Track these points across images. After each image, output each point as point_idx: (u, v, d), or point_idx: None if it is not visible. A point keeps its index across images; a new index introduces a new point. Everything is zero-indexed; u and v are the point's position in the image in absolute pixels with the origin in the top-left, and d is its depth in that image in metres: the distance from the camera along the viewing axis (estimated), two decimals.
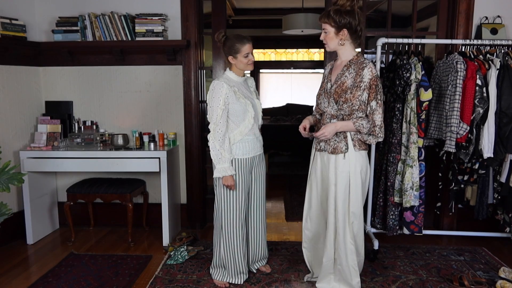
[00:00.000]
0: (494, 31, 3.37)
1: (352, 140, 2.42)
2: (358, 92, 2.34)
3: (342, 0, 2.46)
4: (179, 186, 3.78)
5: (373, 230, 3.28)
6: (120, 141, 3.40)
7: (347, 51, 2.45)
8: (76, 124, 3.67)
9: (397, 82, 2.98)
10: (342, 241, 2.45)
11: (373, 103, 2.34)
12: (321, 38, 2.47)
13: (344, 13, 2.37)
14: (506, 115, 2.90)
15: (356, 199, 2.42)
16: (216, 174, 2.56)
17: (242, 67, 2.61)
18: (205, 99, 3.84)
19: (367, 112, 2.36)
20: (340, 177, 2.41)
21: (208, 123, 2.59)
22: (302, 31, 5.60)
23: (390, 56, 3.50)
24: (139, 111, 3.72)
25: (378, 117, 2.35)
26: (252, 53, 2.59)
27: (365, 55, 3.89)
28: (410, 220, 3.05)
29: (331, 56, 3.46)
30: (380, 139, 2.40)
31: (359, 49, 3.99)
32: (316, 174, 2.60)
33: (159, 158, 3.30)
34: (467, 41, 3.13)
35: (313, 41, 8.39)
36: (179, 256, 3.09)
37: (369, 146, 3.15)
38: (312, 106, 6.81)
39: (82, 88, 3.73)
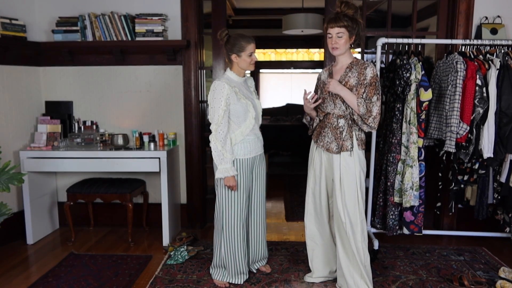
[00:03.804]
0: (494, 31, 3.37)
1: (357, 139, 2.50)
2: (362, 90, 2.44)
3: (345, 7, 2.46)
4: (179, 186, 3.78)
5: (373, 230, 3.28)
6: (120, 141, 3.40)
7: (348, 55, 2.54)
8: (76, 124, 3.67)
9: (397, 82, 2.98)
10: (353, 242, 2.48)
11: (374, 98, 2.43)
12: (334, 42, 2.45)
13: (356, 20, 2.47)
14: (506, 115, 2.90)
15: (361, 193, 2.51)
16: (218, 175, 2.56)
17: (245, 66, 2.61)
18: (205, 99, 3.84)
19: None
20: (347, 174, 2.47)
21: (209, 123, 2.59)
22: (302, 31, 5.60)
23: (390, 56, 3.50)
24: (139, 111, 3.72)
25: (375, 109, 2.43)
26: (255, 53, 2.60)
27: (365, 55, 3.89)
28: (410, 220, 3.05)
29: (331, 56, 3.46)
30: (373, 130, 2.49)
31: (359, 49, 4.00)
32: (321, 171, 2.62)
33: (159, 158, 3.30)
34: (467, 41, 3.13)
35: (313, 41, 8.39)
36: (179, 256, 3.09)
37: (369, 145, 3.16)
38: None
39: (82, 88, 3.73)
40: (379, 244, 3.10)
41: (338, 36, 2.43)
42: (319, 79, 2.70)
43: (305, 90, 2.65)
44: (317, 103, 2.59)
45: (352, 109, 2.47)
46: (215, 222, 2.75)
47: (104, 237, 3.62)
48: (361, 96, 2.44)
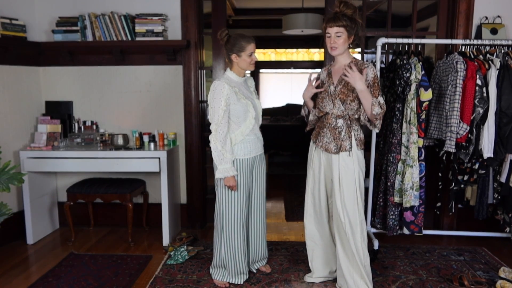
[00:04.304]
0: (494, 31, 3.37)
1: (356, 139, 2.50)
2: None
3: (344, 7, 2.45)
4: (179, 186, 3.78)
5: (373, 230, 3.28)
6: (120, 141, 3.40)
7: (346, 55, 2.54)
8: (76, 124, 3.67)
9: (397, 82, 2.98)
10: (352, 242, 2.47)
11: (380, 99, 2.43)
12: (332, 42, 2.44)
13: (355, 20, 2.46)
14: (506, 115, 2.90)
15: (361, 193, 2.50)
16: (218, 175, 2.56)
17: (244, 66, 2.61)
18: (205, 99, 3.84)
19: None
20: (346, 174, 2.47)
21: (209, 123, 2.60)
22: (302, 31, 5.60)
23: (390, 56, 3.50)
24: (139, 111, 3.72)
25: (385, 108, 2.45)
26: (255, 53, 2.60)
27: (365, 55, 3.89)
28: (410, 220, 3.05)
29: (331, 56, 3.46)
30: (377, 130, 2.50)
31: (359, 49, 3.99)
32: (320, 172, 2.61)
33: (159, 158, 3.30)
34: (467, 41, 3.13)
35: (313, 41, 8.39)
36: (179, 256, 3.09)
37: (369, 146, 3.16)
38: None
39: (82, 88, 3.73)
40: (379, 244, 3.10)
41: (337, 35, 2.43)
42: (318, 79, 2.70)
43: (311, 74, 2.66)
44: (318, 90, 2.59)
45: (360, 110, 2.46)
46: (215, 222, 2.75)
47: (104, 237, 3.62)
48: None
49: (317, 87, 2.62)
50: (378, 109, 2.40)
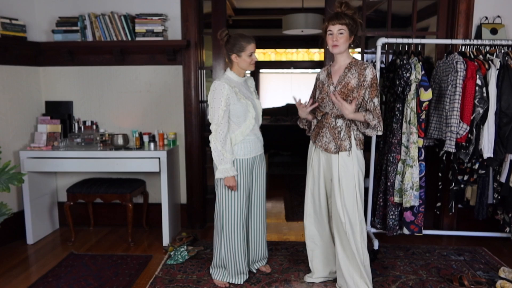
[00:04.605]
0: (494, 31, 3.37)
1: (355, 139, 2.50)
2: (362, 91, 2.44)
3: (345, 7, 2.46)
4: (179, 186, 3.78)
5: (373, 230, 3.28)
6: (120, 141, 3.40)
7: (346, 55, 2.54)
8: (76, 124, 3.67)
9: (397, 82, 2.98)
10: (352, 242, 2.47)
11: (376, 100, 2.43)
12: (335, 39, 2.44)
13: (356, 20, 2.47)
14: (506, 115, 2.90)
15: (360, 193, 2.50)
16: (218, 175, 2.56)
17: (245, 66, 2.61)
18: (205, 99, 3.84)
19: (370, 108, 2.43)
20: (346, 174, 2.47)
21: (209, 123, 2.60)
22: (302, 31, 5.60)
23: (390, 56, 3.50)
24: (139, 111, 3.73)
25: (379, 112, 2.44)
26: (255, 53, 2.60)
27: (365, 55, 3.89)
28: (410, 220, 3.05)
29: (331, 56, 3.46)
30: (380, 133, 2.46)
31: (359, 49, 3.99)
32: (320, 171, 2.61)
33: (159, 158, 3.30)
34: (467, 41, 3.13)
35: (313, 41, 8.39)
36: (179, 256, 3.09)
37: (369, 145, 3.16)
38: None
39: (82, 88, 3.73)
40: (379, 244, 3.10)
41: (339, 33, 2.43)
42: (317, 79, 2.70)
43: (296, 99, 2.64)
44: (314, 105, 2.58)
45: (359, 111, 2.46)
46: (215, 222, 2.75)
47: (104, 237, 3.62)
48: (361, 97, 2.43)
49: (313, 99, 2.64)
50: (374, 120, 2.40)
